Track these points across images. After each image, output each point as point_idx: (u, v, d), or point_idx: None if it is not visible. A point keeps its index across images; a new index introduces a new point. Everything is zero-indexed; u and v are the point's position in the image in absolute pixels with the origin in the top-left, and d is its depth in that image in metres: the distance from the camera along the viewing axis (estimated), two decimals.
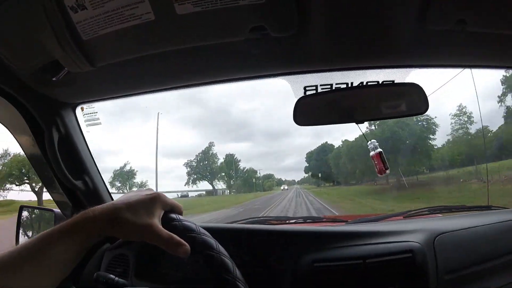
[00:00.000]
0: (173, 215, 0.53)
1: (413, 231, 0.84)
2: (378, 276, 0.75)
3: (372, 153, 0.86)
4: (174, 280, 0.87)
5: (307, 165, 34.07)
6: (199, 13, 0.54)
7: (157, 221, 0.50)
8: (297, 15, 0.56)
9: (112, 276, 0.77)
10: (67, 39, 0.60)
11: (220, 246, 0.51)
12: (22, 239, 1.07)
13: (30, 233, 1.09)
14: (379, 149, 0.87)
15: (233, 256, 0.51)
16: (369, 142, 0.88)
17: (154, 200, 0.52)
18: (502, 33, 0.63)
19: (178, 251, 0.48)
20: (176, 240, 0.49)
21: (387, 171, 0.88)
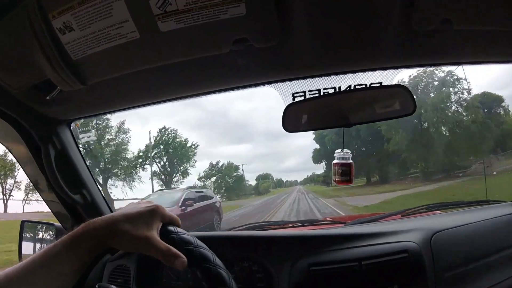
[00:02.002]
0: (171, 228, 0.54)
1: (410, 230, 0.84)
2: (375, 278, 0.75)
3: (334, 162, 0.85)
4: None
5: (317, 147, 23.04)
6: (182, 29, 0.55)
7: (155, 234, 0.51)
8: (279, 24, 0.57)
9: (113, 286, 0.78)
10: (57, 60, 0.61)
11: (217, 259, 0.52)
12: (25, 253, 1.09)
13: (32, 247, 1.11)
14: (342, 161, 0.86)
15: (231, 263, 0.52)
16: (339, 151, 0.87)
17: (153, 212, 0.53)
18: (488, 29, 0.63)
19: (175, 263, 0.50)
20: (174, 252, 0.50)
21: (349, 184, 0.87)
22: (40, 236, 1.10)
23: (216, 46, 0.60)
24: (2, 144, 0.94)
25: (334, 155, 0.85)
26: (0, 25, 0.59)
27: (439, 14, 0.57)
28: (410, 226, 0.87)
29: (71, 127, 0.94)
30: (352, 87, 0.76)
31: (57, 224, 1.05)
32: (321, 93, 0.76)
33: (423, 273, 0.76)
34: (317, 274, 0.76)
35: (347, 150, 0.85)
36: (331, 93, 0.76)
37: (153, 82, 0.75)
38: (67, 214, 0.98)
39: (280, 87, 0.77)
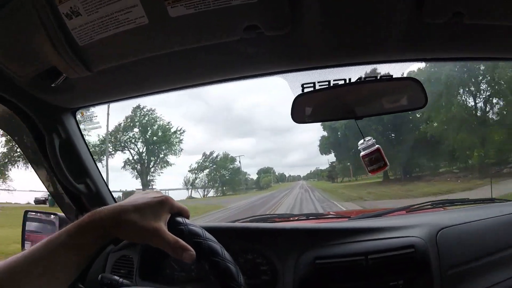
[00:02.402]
0: (180, 219, 0.53)
1: (415, 226, 0.84)
2: (381, 272, 0.75)
3: (362, 153, 0.83)
4: (178, 281, 0.88)
5: (325, 134, 18.93)
6: (192, 15, 0.54)
7: (163, 225, 0.50)
8: (290, 12, 0.56)
9: (116, 277, 0.78)
10: (63, 46, 0.60)
11: (225, 252, 0.51)
12: (28, 242, 1.09)
13: (35, 237, 1.11)
14: (368, 150, 0.83)
15: (235, 255, 0.51)
16: (362, 141, 0.84)
17: (162, 203, 0.51)
18: (500, 24, 0.62)
19: (183, 256, 0.48)
20: (182, 244, 0.49)
21: (378, 172, 0.84)
22: (43, 225, 1.10)
23: (227, 33, 0.59)
24: (6, 132, 0.94)
25: (359, 148, 0.83)
26: (4, 12, 0.57)
27: (450, 7, 0.56)
28: (416, 222, 0.86)
29: (76, 116, 0.93)
30: (363, 79, 0.75)
31: (61, 214, 1.05)
32: (331, 85, 0.75)
33: (429, 269, 0.76)
34: (323, 267, 0.76)
35: (369, 138, 0.82)
36: (340, 84, 0.75)
37: (160, 70, 0.74)
38: (70, 203, 0.98)
39: (289, 77, 0.76)
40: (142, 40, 0.60)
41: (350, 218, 1.06)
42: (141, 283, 0.89)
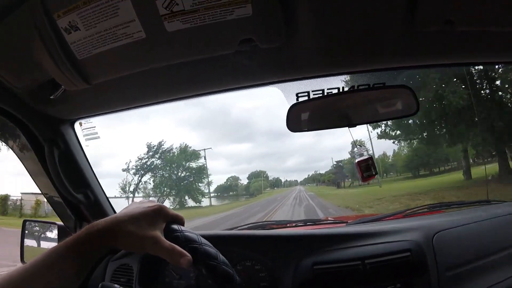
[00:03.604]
0: (175, 226, 0.54)
1: (411, 230, 0.84)
2: (378, 277, 0.76)
3: (356, 160, 0.86)
4: None
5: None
6: (189, 30, 0.55)
7: (159, 233, 0.51)
8: (284, 26, 0.57)
9: (116, 286, 0.78)
10: (62, 59, 0.61)
11: (221, 256, 0.53)
12: (27, 253, 1.09)
13: (34, 247, 1.11)
14: (363, 157, 0.87)
15: (234, 262, 0.52)
16: (356, 148, 0.88)
17: (157, 212, 0.53)
18: (490, 30, 0.64)
19: (181, 262, 0.49)
20: (178, 251, 0.50)
21: (371, 179, 0.88)
22: (42, 235, 1.10)
23: (222, 46, 0.60)
24: (5, 143, 0.94)
25: (354, 155, 0.86)
26: (4, 24, 0.59)
27: (442, 16, 0.58)
28: (412, 226, 0.87)
29: (75, 127, 0.94)
30: (356, 88, 0.77)
31: (60, 223, 1.05)
32: (325, 93, 0.77)
33: (426, 272, 0.76)
34: (321, 273, 0.76)
35: (363, 146, 0.86)
36: (334, 93, 0.76)
37: (158, 82, 0.75)
38: (70, 213, 0.98)
39: (284, 87, 0.78)
40: (139, 54, 0.61)
41: (348, 223, 1.07)
42: None
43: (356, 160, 0.85)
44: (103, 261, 0.99)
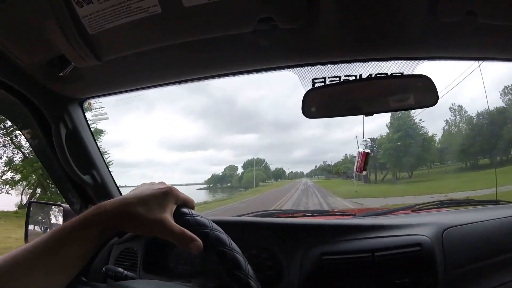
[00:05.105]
0: (186, 210, 0.52)
1: (421, 225, 0.84)
2: (387, 269, 0.75)
3: (360, 150, 0.87)
4: (182, 273, 0.88)
5: None
6: (206, 5, 0.53)
7: (169, 216, 0.49)
8: (306, 6, 0.55)
9: (120, 269, 0.78)
10: (73, 34, 0.59)
11: (232, 243, 0.51)
12: (32, 234, 1.09)
13: (39, 229, 1.11)
14: (368, 150, 0.88)
15: (241, 249, 0.51)
16: (363, 139, 0.88)
17: (167, 194, 0.51)
18: None
19: (191, 246, 0.48)
20: (189, 235, 0.48)
21: (364, 172, 0.90)
22: (48, 217, 1.09)
23: (240, 25, 0.58)
24: (12, 122, 0.93)
25: (361, 144, 0.86)
26: None
27: (464, 6, 0.56)
28: (421, 221, 0.86)
29: (84, 106, 0.92)
30: (374, 76, 0.75)
31: (65, 205, 1.04)
32: (341, 80, 0.75)
33: (434, 268, 0.75)
34: (330, 264, 0.76)
35: (368, 139, 0.86)
36: (351, 80, 0.74)
37: (170, 62, 0.73)
38: (75, 195, 0.98)
39: (300, 72, 0.75)
40: (153, 30, 0.59)
41: (355, 215, 1.06)
42: (145, 276, 0.89)
43: (363, 150, 0.84)
44: (107, 244, 0.99)
